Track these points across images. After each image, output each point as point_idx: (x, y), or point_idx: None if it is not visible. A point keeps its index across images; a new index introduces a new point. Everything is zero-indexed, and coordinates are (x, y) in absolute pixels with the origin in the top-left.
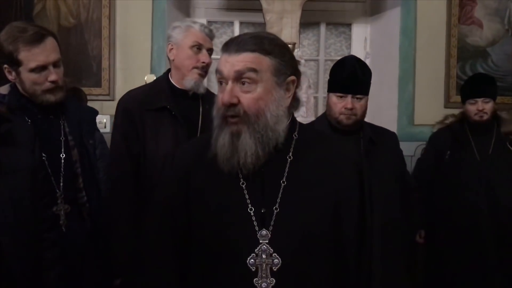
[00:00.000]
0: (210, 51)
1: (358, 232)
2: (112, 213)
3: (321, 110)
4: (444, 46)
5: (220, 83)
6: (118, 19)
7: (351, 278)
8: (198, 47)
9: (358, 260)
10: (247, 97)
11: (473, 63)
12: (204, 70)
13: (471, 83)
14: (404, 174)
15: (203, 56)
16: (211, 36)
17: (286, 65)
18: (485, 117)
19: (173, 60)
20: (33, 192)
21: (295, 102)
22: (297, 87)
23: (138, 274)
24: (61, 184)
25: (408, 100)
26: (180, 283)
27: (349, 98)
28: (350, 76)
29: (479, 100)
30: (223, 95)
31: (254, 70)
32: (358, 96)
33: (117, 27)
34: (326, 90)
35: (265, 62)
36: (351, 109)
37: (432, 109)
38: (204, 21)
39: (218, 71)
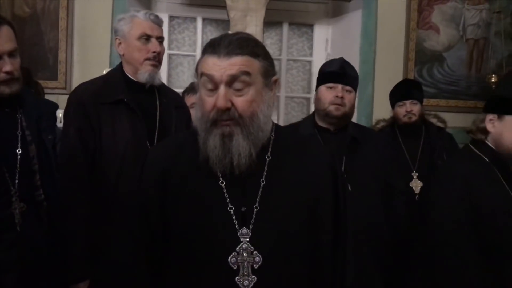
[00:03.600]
0: (160, 39)
1: (333, 232)
2: (66, 213)
3: (282, 110)
4: (403, 50)
5: (210, 88)
6: (77, 10)
7: (326, 276)
8: (146, 37)
9: (333, 259)
10: (241, 100)
11: (430, 67)
12: (156, 60)
13: (399, 88)
14: (388, 176)
15: (153, 45)
16: (158, 22)
17: (271, 65)
18: (414, 118)
19: (123, 54)
20: None
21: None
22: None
23: (109, 277)
24: (17, 181)
25: (367, 102)
26: (154, 285)
27: (339, 87)
28: (340, 69)
29: (407, 102)
30: (217, 101)
31: (247, 73)
32: (347, 88)
33: (76, 18)
34: (287, 90)
35: (255, 65)
36: (341, 98)
37: (390, 110)
38: (166, 16)
39: (206, 75)
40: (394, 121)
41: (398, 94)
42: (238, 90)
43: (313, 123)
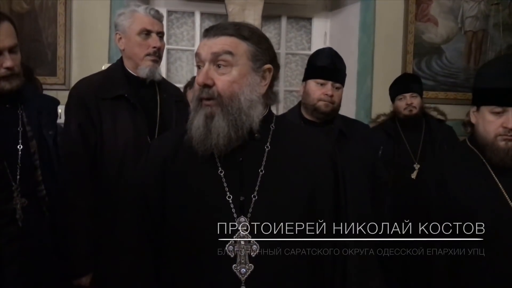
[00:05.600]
0: (160, 34)
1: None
2: (68, 208)
3: (281, 103)
4: (401, 42)
5: (198, 66)
6: (75, 5)
7: (324, 265)
8: (146, 32)
9: (333, 251)
10: (222, 80)
11: (428, 59)
12: (157, 55)
13: (398, 82)
14: (375, 167)
15: (153, 41)
16: (158, 18)
17: (263, 52)
18: (414, 111)
19: (124, 49)
20: None
21: (272, 95)
22: (275, 78)
23: (112, 266)
24: (18, 177)
25: (366, 95)
26: (156, 272)
27: (329, 85)
28: (331, 64)
29: (407, 95)
30: (198, 76)
31: (230, 53)
32: (337, 85)
33: (74, 14)
34: (286, 84)
35: (241, 47)
36: (331, 96)
37: (389, 103)
38: (164, 10)
39: (196, 54)
40: (394, 115)
41: (398, 87)
42: (220, 69)
43: (299, 115)
